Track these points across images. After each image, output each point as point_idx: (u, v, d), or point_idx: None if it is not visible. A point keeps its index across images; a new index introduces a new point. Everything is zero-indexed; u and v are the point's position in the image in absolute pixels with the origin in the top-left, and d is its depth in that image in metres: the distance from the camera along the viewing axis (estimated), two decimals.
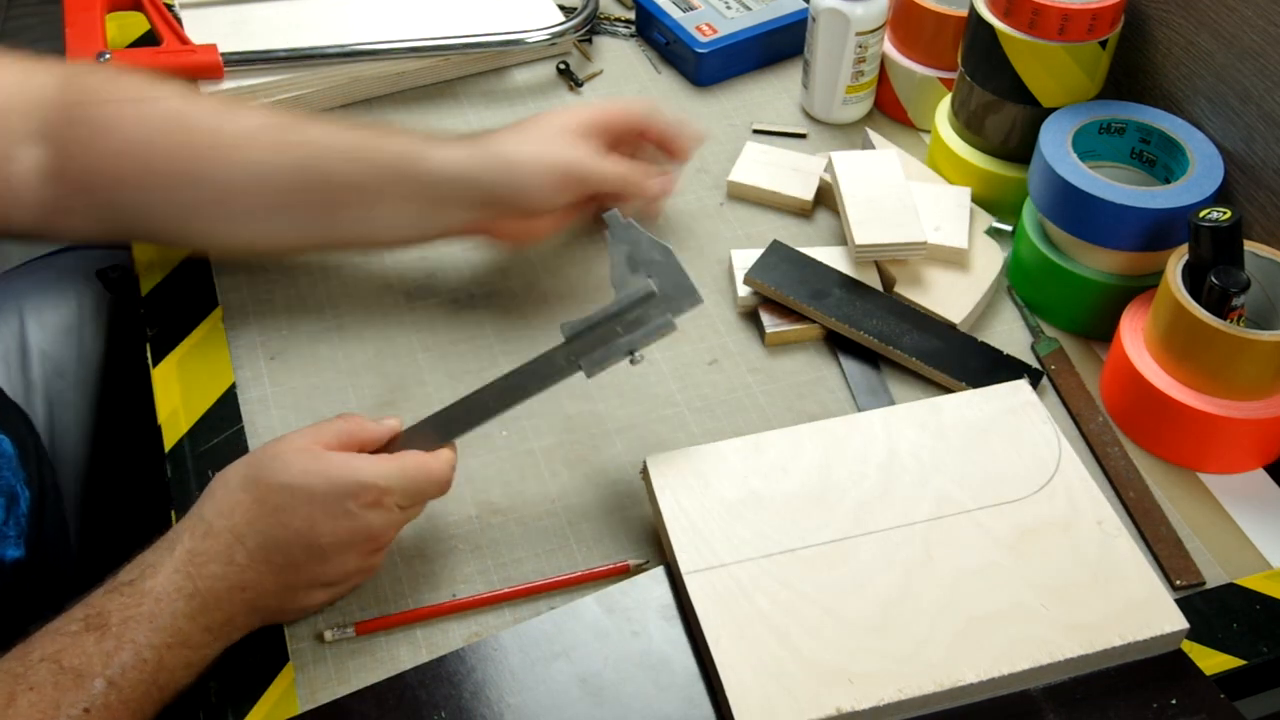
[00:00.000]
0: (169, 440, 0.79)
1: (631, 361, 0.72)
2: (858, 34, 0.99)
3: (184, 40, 1.01)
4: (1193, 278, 0.76)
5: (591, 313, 0.71)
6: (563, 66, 1.10)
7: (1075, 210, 0.82)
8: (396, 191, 0.79)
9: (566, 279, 0.91)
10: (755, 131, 1.04)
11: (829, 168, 0.94)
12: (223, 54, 1.00)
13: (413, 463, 0.67)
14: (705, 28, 1.08)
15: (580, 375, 0.71)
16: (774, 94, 1.08)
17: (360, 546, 0.66)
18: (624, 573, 0.72)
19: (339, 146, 0.78)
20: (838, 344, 0.86)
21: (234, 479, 0.66)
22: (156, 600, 0.62)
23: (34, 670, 0.58)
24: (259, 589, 0.65)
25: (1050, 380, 0.84)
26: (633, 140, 0.87)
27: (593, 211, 0.83)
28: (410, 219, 0.80)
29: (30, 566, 0.78)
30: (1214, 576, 0.73)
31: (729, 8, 1.11)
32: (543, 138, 0.80)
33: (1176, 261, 0.77)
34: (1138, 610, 0.67)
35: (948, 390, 0.83)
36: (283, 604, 0.67)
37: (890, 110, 1.06)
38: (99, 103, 0.77)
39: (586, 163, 0.80)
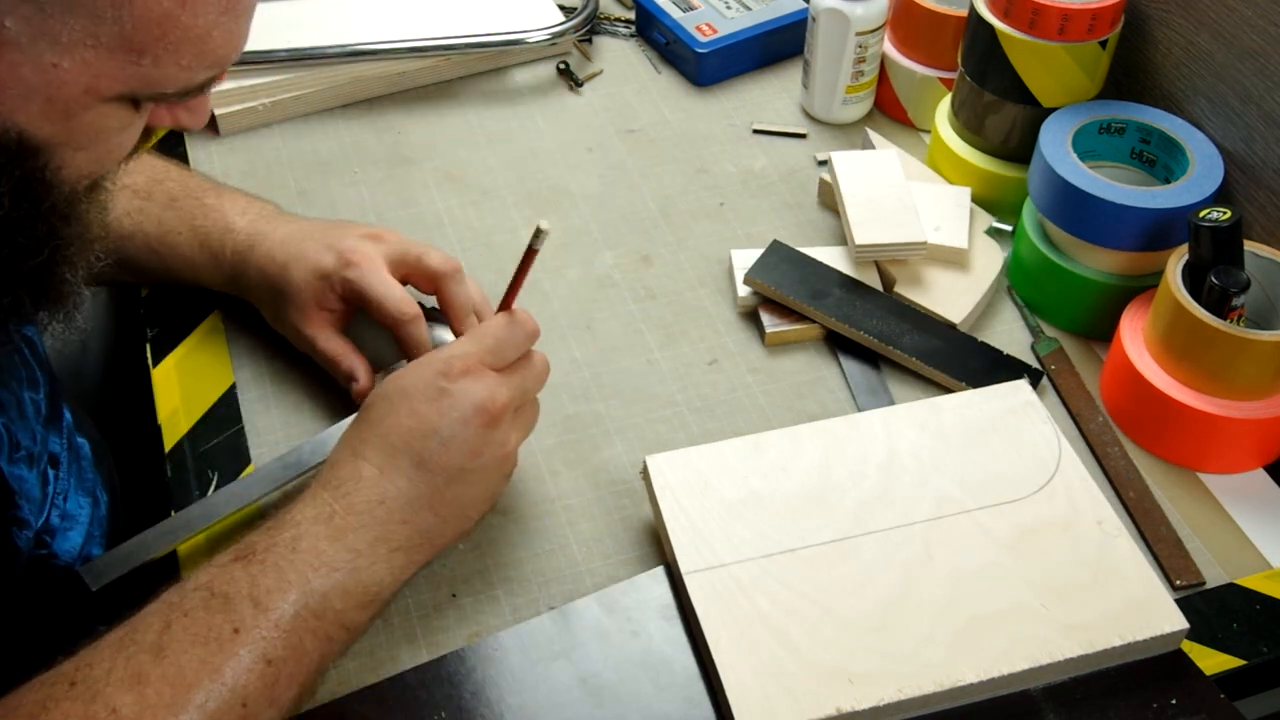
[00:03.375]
0: (169, 440, 0.79)
1: None
2: (858, 34, 0.99)
3: None
4: (1193, 278, 0.76)
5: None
6: (563, 66, 1.10)
7: (1075, 210, 0.82)
8: (195, 275, 0.83)
9: (566, 279, 0.91)
10: (755, 131, 1.04)
11: (829, 168, 0.94)
12: None
13: (488, 325, 0.69)
14: (705, 28, 1.08)
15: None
16: (774, 94, 1.08)
17: (470, 418, 0.66)
18: None
19: (146, 230, 0.81)
20: (838, 344, 0.86)
21: (346, 426, 0.70)
22: (296, 525, 0.64)
23: (188, 598, 0.61)
24: (400, 498, 0.65)
25: (1050, 380, 0.84)
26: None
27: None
28: (219, 288, 0.83)
29: None
30: (1214, 576, 0.73)
31: (729, 8, 1.11)
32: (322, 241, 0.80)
33: (1176, 261, 0.77)
34: (1138, 610, 0.67)
35: (948, 390, 0.83)
36: (435, 513, 0.66)
37: (890, 110, 1.06)
38: None
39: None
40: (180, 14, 0.52)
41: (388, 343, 0.78)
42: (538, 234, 0.67)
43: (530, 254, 0.69)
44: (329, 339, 0.78)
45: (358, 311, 0.79)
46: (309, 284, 0.77)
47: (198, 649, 0.58)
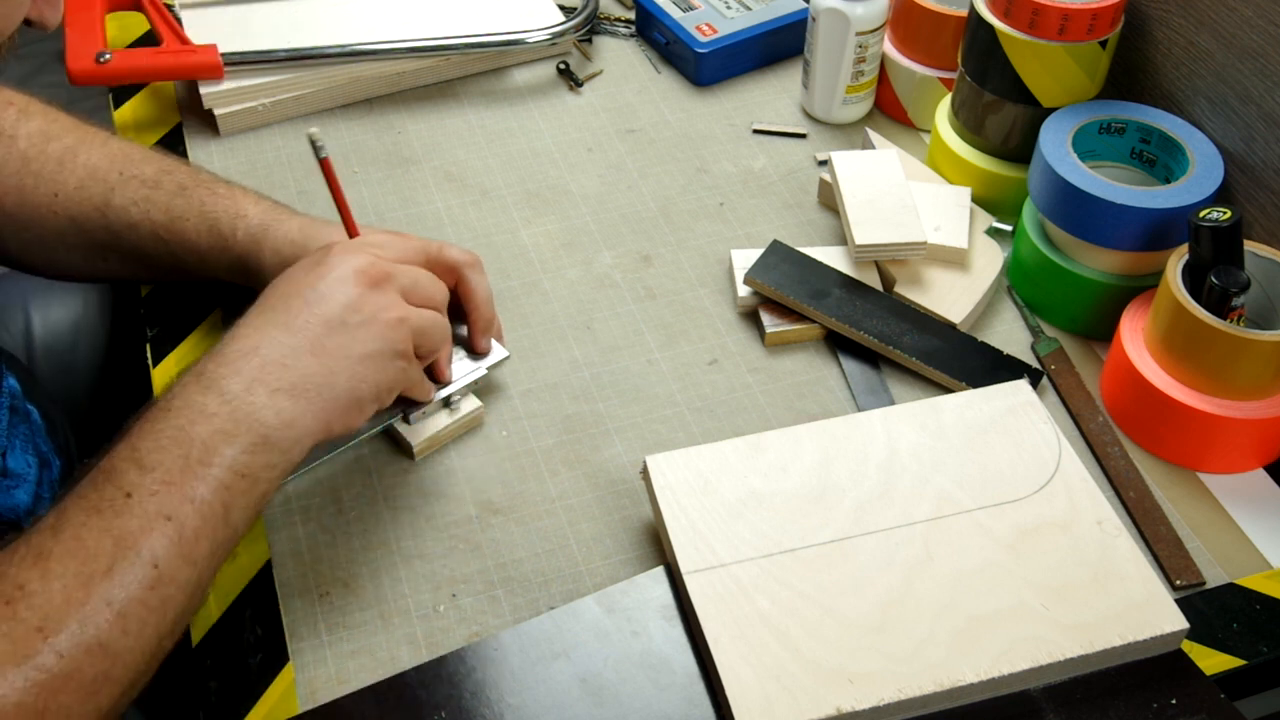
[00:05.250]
0: None
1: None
2: (858, 34, 0.99)
3: (184, 40, 1.01)
4: (1193, 278, 0.76)
5: None
6: (563, 66, 1.10)
7: (1075, 210, 0.82)
8: (200, 261, 0.82)
9: (566, 279, 0.91)
10: (755, 131, 1.04)
11: (829, 168, 0.94)
12: (223, 54, 1.00)
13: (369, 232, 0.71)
14: (705, 28, 1.08)
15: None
16: (774, 94, 1.08)
17: (352, 279, 0.67)
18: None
19: (153, 219, 0.81)
20: (838, 344, 0.86)
21: None
22: (169, 391, 0.64)
23: (79, 484, 0.60)
24: (275, 346, 0.65)
25: (1050, 380, 0.84)
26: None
27: None
28: (220, 276, 0.83)
29: None
30: (1214, 576, 0.73)
31: (729, 8, 1.11)
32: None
33: (1176, 261, 0.77)
34: (1138, 610, 0.67)
35: (948, 390, 0.83)
36: (319, 359, 0.65)
37: (890, 110, 1.06)
38: None
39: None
40: None
41: None
42: (313, 144, 0.70)
43: (326, 167, 0.71)
44: None
45: None
46: None
47: (93, 519, 0.58)
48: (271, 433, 0.63)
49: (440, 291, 0.73)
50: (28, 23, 0.62)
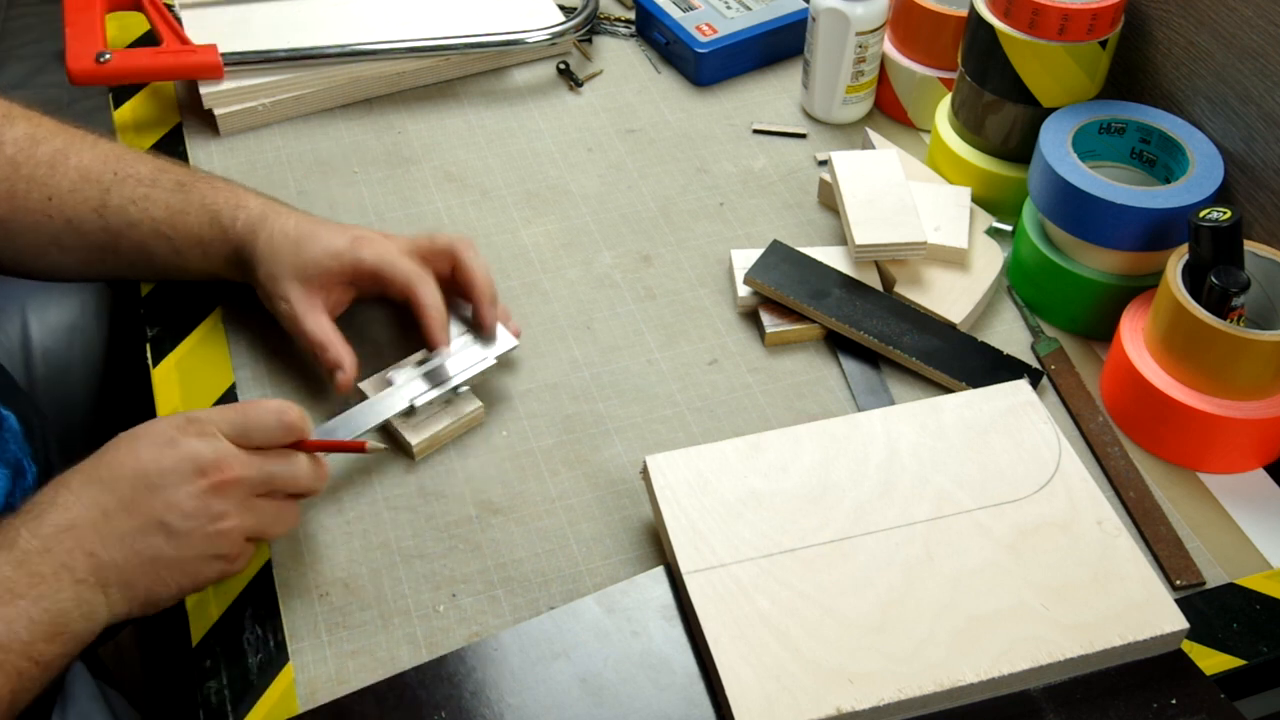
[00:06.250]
0: None
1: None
2: (858, 34, 0.99)
3: (184, 40, 1.01)
4: (1193, 278, 0.76)
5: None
6: (563, 66, 1.10)
7: (1075, 210, 0.82)
8: (203, 254, 0.82)
9: (566, 279, 0.91)
10: (755, 131, 1.04)
11: (829, 168, 0.94)
12: (223, 54, 1.00)
13: (248, 405, 0.67)
14: (705, 28, 1.08)
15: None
16: (774, 94, 1.08)
17: (193, 477, 0.63)
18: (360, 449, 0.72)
19: (153, 215, 0.81)
20: (838, 344, 0.86)
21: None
22: None
23: None
24: (90, 529, 0.61)
25: (1050, 380, 0.84)
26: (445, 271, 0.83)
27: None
28: (219, 269, 0.83)
29: None
30: (1214, 576, 0.73)
31: (729, 8, 1.11)
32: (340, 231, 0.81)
33: (1176, 261, 0.77)
34: (1138, 610, 0.67)
35: (948, 390, 0.83)
36: (127, 558, 0.62)
37: (890, 110, 1.06)
38: None
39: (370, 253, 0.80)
40: None
41: (383, 347, 0.79)
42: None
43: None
44: (320, 323, 0.78)
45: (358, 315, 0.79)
46: (317, 261, 0.78)
47: None
48: (72, 623, 0.61)
49: (299, 484, 0.68)
50: None
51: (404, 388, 0.78)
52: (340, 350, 0.78)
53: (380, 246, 0.80)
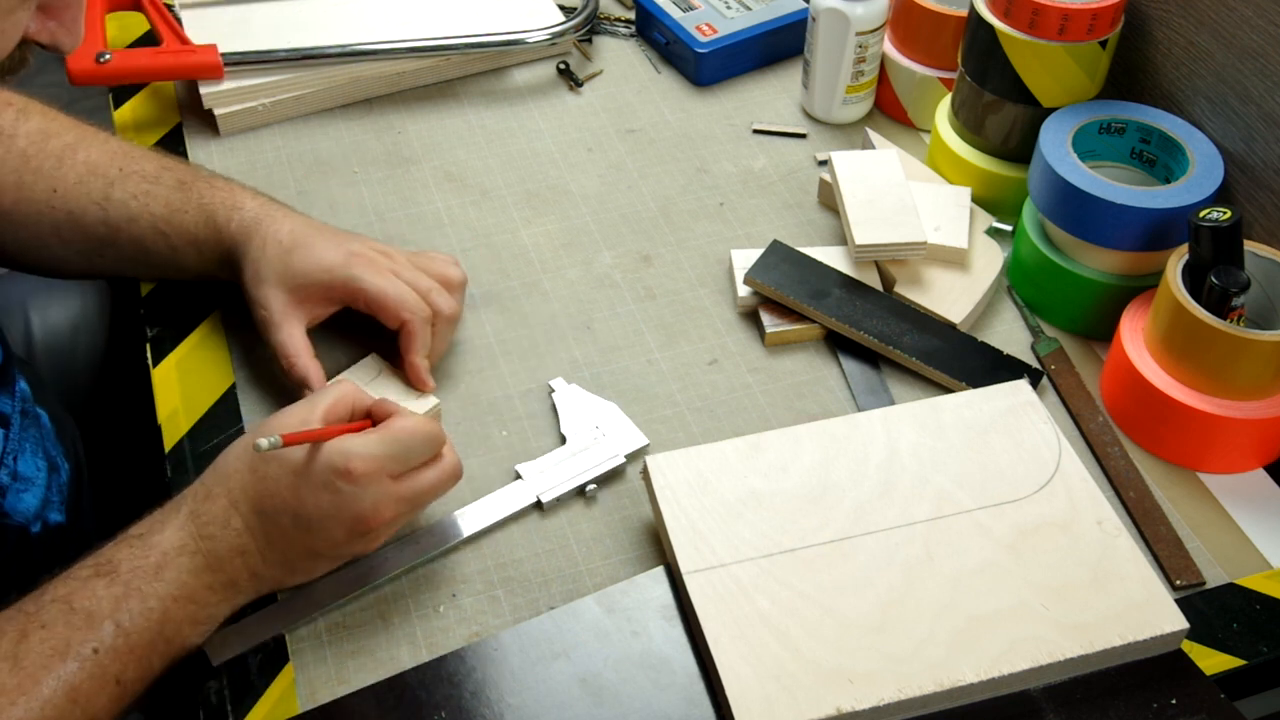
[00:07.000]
0: (169, 440, 0.79)
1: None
2: (858, 34, 0.99)
3: (184, 40, 1.01)
4: (1193, 278, 0.76)
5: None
6: (563, 66, 1.10)
7: (1075, 210, 0.82)
8: (198, 253, 0.83)
9: (566, 279, 0.91)
10: (755, 131, 1.04)
11: (829, 168, 0.94)
12: (223, 54, 1.00)
13: (399, 426, 0.68)
14: (705, 28, 1.08)
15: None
16: (774, 94, 1.08)
17: (347, 523, 0.66)
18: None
19: (153, 211, 0.82)
20: (838, 344, 0.86)
21: (235, 449, 0.69)
22: (163, 554, 0.65)
23: (46, 610, 0.62)
24: (256, 555, 0.67)
25: (1050, 380, 0.84)
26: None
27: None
28: (213, 269, 0.84)
29: (69, 532, 0.81)
30: (1214, 576, 0.73)
31: (729, 8, 1.11)
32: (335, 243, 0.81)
33: (1176, 261, 0.77)
34: (1138, 610, 0.67)
35: (948, 390, 0.83)
36: (281, 573, 0.68)
37: (890, 110, 1.06)
38: None
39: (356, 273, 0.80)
40: None
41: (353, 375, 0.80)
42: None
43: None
44: (292, 334, 0.79)
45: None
46: (306, 273, 0.78)
47: (56, 664, 0.60)
48: (218, 624, 0.67)
49: (444, 487, 0.71)
50: (42, 46, 0.62)
51: (532, 482, 0.76)
52: (307, 364, 0.78)
53: (373, 270, 0.79)
